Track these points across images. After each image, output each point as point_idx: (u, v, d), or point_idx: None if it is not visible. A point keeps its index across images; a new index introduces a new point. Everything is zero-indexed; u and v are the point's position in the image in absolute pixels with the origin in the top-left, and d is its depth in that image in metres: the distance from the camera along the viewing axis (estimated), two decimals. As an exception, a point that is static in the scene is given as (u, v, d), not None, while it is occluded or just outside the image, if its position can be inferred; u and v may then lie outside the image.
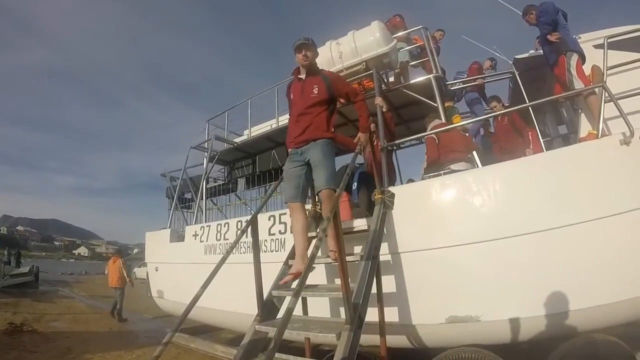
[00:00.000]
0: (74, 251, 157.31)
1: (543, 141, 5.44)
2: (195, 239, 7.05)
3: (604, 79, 4.43)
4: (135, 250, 48.71)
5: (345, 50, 6.04)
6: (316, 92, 3.89)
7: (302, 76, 4.08)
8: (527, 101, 5.51)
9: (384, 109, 5.44)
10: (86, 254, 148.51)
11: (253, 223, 3.67)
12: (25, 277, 18.22)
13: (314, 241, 3.29)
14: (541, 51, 5.72)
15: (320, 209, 4.75)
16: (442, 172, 4.98)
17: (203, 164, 8.89)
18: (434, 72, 6.15)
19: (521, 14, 5.77)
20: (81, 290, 20.53)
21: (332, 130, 4.01)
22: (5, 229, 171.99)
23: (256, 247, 3.61)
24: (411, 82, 6.36)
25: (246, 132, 9.09)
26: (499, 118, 6.48)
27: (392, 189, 4.62)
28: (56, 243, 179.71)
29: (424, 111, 6.39)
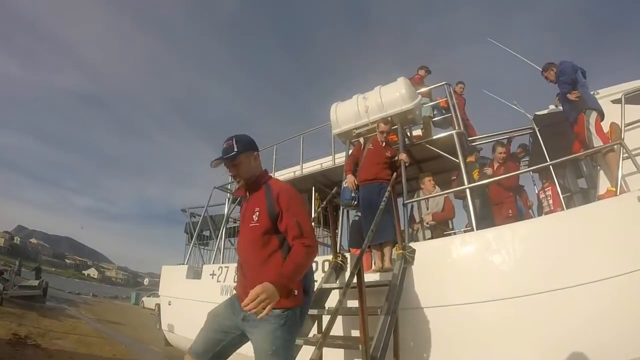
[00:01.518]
0: (84, 271, 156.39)
1: (563, 197, 5.49)
2: (213, 278, 7.13)
3: (622, 136, 4.47)
4: (147, 280, 48.52)
5: (372, 105, 6.18)
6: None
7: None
8: (547, 157, 5.62)
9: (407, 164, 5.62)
10: (96, 276, 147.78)
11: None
12: (33, 290, 18.29)
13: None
14: (560, 107, 5.81)
15: (341, 260, 5.00)
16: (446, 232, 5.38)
17: (224, 203, 9.09)
18: (456, 127, 6.23)
19: (540, 70, 5.82)
20: (88, 312, 20.37)
21: None
22: (19, 239, 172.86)
23: None
24: (434, 137, 6.47)
25: (270, 176, 9.22)
26: (495, 166, 6.37)
27: (413, 244, 4.68)
28: (67, 261, 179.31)
29: (446, 165, 6.51)
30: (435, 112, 7.24)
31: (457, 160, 5.81)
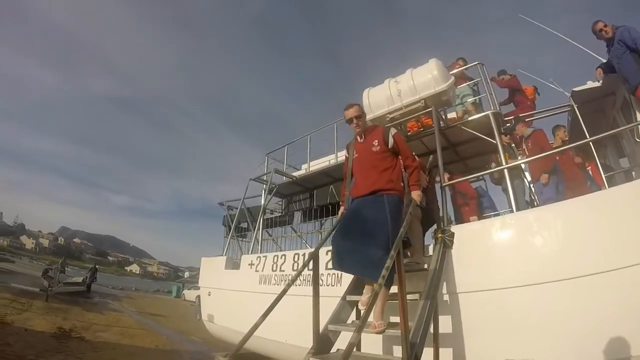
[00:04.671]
0: (126, 268, 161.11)
1: (605, 176, 5.28)
2: (251, 268, 7.22)
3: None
4: (187, 274, 49.60)
5: (404, 88, 6.00)
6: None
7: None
8: (587, 135, 5.35)
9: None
10: (138, 272, 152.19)
11: (315, 257, 3.71)
12: (78, 286, 18.90)
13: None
14: (599, 82, 5.63)
15: None
16: None
17: (261, 195, 9.16)
18: (492, 108, 6.02)
19: (593, 25, 5.43)
20: (130, 305, 21.07)
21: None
22: (63, 239, 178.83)
23: (316, 281, 3.66)
24: (469, 118, 6.24)
25: (305, 166, 9.31)
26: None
27: (452, 227, 4.58)
28: (110, 258, 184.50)
29: (481, 148, 6.35)
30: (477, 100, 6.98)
31: (494, 142, 5.65)
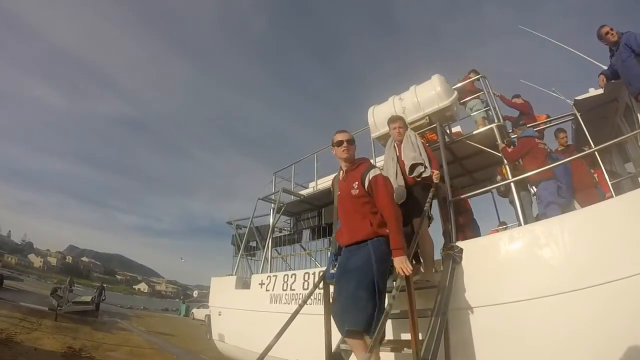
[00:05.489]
0: (134, 286, 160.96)
1: (611, 183, 5.23)
2: (262, 287, 7.23)
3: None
4: (196, 292, 49.53)
5: (408, 105, 6.10)
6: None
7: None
8: (592, 143, 5.42)
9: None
10: (146, 290, 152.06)
11: (325, 278, 3.80)
12: (86, 305, 18.93)
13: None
14: (601, 90, 5.64)
15: (391, 265, 4.83)
16: None
17: (269, 214, 9.20)
18: (496, 121, 6.07)
19: (598, 30, 5.41)
20: (139, 324, 21.01)
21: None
22: (71, 258, 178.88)
23: (327, 300, 3.73)
24: (473, 132, 6.28)
25: (312, 184, 9.32)
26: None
27: (460, 243, 4.59)
28: (118, 277, 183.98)
29: (487, 160, 6.39)
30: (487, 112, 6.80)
31: (499, 154, 5.73)
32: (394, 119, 5.24)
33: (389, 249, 3.31)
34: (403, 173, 4.84)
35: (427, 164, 4.71)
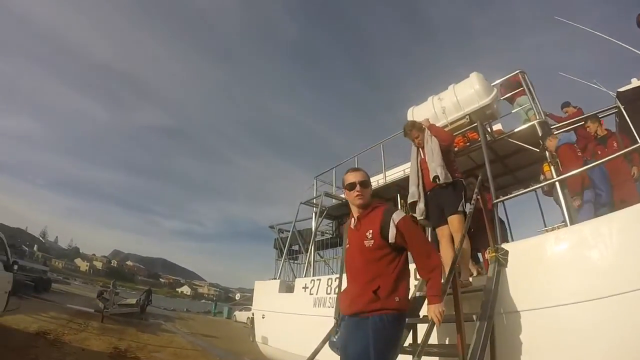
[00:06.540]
0: (177, 289, 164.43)
1: None
2: (305, 291, 7.30)
3: None
4: (238, 295, 50.37)
5: (448, 105, 6.03)
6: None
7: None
8: (638, 136, 5.11)
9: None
10: (189, 293, 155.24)
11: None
12: (132, 307, 19.44)
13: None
14: None
15: None
16: None
17: (310, 218, 9.30)
18: (537, 117, 5.95)
19: (637, 19, 5.44)
20: (183, 326, 21.38)
21: None
22: (116, 262, 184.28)
23: None
24: (515, 130, 6.12)
25: (354, 187, 9.27)
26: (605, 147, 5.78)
27: (505, 245, 4.48)
28: (161, 280, 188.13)
29: (530, 158, 6.24)
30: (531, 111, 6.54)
31: (541, 151, 5.64)
32: (406, 132, 5.16)
33: (396, 330, 2.73)
34: (425, 176, 4.81)
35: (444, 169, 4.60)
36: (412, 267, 2.94)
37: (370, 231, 2.86)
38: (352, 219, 3.14)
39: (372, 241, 2.82)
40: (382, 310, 2.63)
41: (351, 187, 3.09)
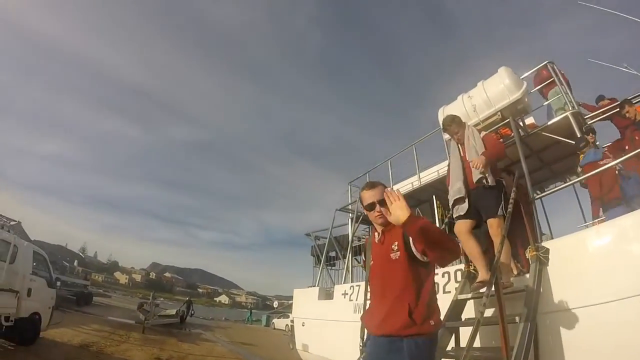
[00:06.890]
0: (215, 299, 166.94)
1: None
2: (345, 297, 7.32)
3: None
4: (276, 303, 50.85)
5: (478, 102, 5.94)
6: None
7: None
8: None
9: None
10: (227, 302, 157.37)
11: None
12: (172, 318, 19.81)
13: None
14: None
15: (474, 270, 4.64)
16: None
17: (347, 224, 9.33)
18: (570, 108, 5.76)
19: None
20: (222, 335, 21.58)
21: None
22: (154, 274, 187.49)
23: None
24: (548, 123, 5.96)
25: (388, 191, 9.26)
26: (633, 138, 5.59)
27: (545, 243, 4.36)
28: (200, 290, 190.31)
29: (566, 150, 6.06)
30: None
31: (576, 143, 5.45)
32: (445, 127, 5.04)
33: (431, 353, 2.52)
34: (467, 174, 4.64)
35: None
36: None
37: (396, 243, 2.62)
38: (376, 233, 2.89)
39: (399, 253, 2.58)
40: (417, 335, 2.42)
41: (371, 207, 2.78)
